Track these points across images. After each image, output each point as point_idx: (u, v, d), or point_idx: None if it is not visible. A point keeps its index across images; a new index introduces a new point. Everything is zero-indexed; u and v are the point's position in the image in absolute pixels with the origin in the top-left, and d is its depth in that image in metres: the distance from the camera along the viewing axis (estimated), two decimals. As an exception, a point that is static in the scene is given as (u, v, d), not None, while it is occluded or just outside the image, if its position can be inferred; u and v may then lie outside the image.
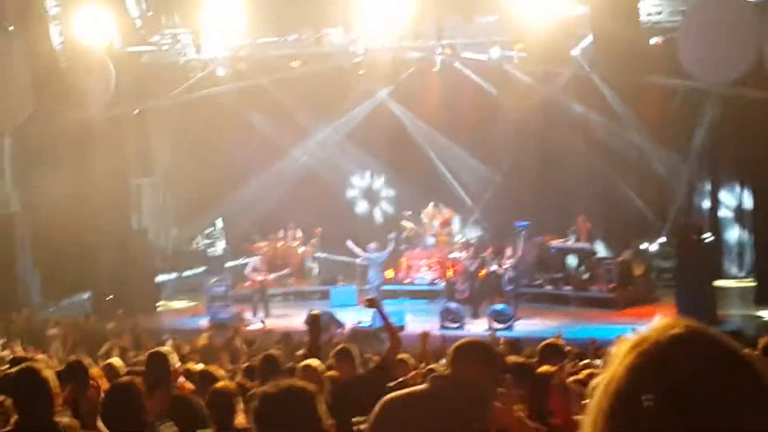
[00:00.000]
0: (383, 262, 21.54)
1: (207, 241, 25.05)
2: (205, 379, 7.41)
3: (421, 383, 5.19)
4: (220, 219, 25.35)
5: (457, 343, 4.78)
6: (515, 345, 14.02)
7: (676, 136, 23.38)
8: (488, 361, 4.69)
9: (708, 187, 22.31)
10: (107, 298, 22.18)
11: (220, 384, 6.45)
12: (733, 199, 22.07)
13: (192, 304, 23.81)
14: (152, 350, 7.54)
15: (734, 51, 15.52)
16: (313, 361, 7.49)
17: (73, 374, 6.48)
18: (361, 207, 26.28)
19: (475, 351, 4.73)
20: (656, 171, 23.97)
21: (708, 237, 19.35)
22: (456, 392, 4.54)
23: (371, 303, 8.31)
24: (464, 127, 25.66)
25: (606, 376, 1.79)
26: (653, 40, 18.55)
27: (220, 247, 25.46)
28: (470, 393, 4.46)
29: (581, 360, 10.63)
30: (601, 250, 23.21)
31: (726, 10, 15.75)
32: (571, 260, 22.39)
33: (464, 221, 25.38)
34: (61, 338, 16.66)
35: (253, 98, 25.34)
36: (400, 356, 8.83)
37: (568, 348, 12.05)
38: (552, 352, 7.28)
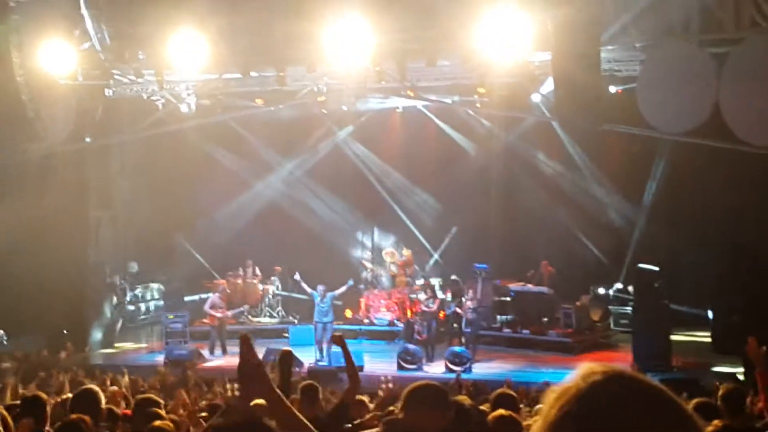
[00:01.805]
0: (327, 306, 21.33)
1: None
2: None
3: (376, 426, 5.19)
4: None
5: (409, 387, 4.76)
6: (482, 389, 14.06)
7: (631, 185, 23.70)
8: (439, 406, 4.67)
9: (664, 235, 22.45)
10: (63, 332, 21.92)
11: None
12: (688, 249, 22.19)
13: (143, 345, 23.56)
14: (82, 388, 7.41)
15: (692, 100, 15.74)
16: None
17: (32, 409, 6.40)
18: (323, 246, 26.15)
19: (427, 396, 4.69)
20: (611, 219, 24.26)
21: (661, 285, 19.47)
22: None
23: (338, 341, 8.29)
24: (426, 170, 25.85)
25: (535, 429, 1.81)
26: (613, 89, 18.82)
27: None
28: None
29: (536, 405, 10.65)
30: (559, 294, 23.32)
31: (683, 60, 15.98)
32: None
33: (424, 262, 25.42)
34: (14, 372, 16.44)
35: (216, 134, 25.38)
36: (358, 397, 8.80)
37: (524, 391, 12.15)
38: (505, 401, 7.27)
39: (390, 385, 14.82)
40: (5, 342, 22.34)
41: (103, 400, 7.00)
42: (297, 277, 22.31)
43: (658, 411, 1.73)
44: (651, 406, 1.74)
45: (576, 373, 1.82)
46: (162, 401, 7.87)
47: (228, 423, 3.39)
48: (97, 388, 7.27)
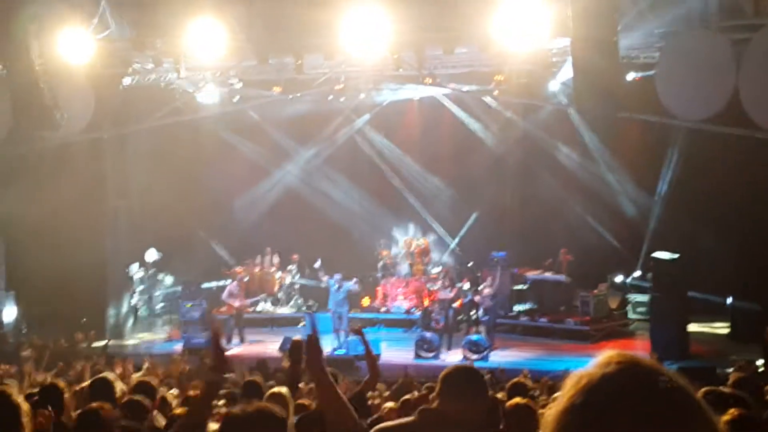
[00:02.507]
0: (343, 295, 21.39)
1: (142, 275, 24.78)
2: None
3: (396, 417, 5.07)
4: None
5: (445, 373, 4.55)
6: (499, 377, 14.07)
7: (647, 173, 23.58)
8: (477, 393, 4.47)
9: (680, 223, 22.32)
10: (82, 321, 22.04)
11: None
12: (705, 237, 22.07)
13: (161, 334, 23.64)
14: (97, 377, 7.42)
15: (710, 88, 15.65)
16: (282, 388, 7.45)
17: (50, 398, 6.41)
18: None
19: (464, 382, 4.49)
20: (627, 208, 24.17)
21: (679, 272, 19.39)
22: (444, 426, 4.34)
23: (358, 331, 8.23)
24: (443, 158, 25.81)
25: (547, 415, 1.81)
26: (630, 76, 18.71)
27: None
28: (457, 427, 4.30)
29: (554, 393, 10.64)
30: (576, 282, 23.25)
31: (702, 46, 15.89)
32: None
33: (442, 251, 25.40)
34: (34, 359, 16.54)
35: (233, 123, 25.45)
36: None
37: (542, 380, 12.14)
38: (519, 391, 7.25)
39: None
40: (24, 330, 22.46)
41: (119, 388, 7.02)
42: (317, 264, 22.31)
43: (670, 402, 1.72)
44: (663, 397, 1.74)
45: (595, 361, 1.83)
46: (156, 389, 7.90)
47: (242, 412, 3.39)
48: (112, 376, 7.29)
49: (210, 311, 22.99)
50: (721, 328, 21.39)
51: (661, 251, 20.14)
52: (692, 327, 19.98)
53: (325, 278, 21.67)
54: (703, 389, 6.35)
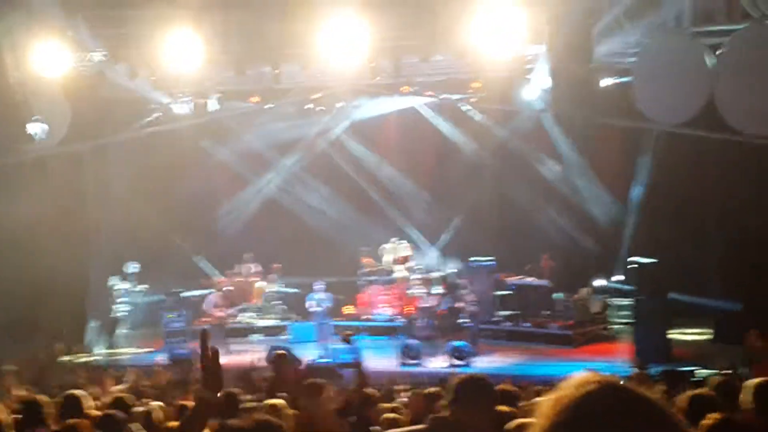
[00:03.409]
0: (324, 305, 21.45)
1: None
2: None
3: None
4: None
5: (458, 380, 4.60)
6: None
7: (622, 179, 23.60)
8: (488, 402, 4.53)
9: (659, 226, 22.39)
10: (62, 332, 21.97)
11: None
12: (684, 240, 22.14)
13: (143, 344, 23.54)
14: (67, 393, 7.40)
15: (686, 92, 15.77)
16: (279, 401, 7.45)
17: (30, 412, 6.40)
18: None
19: (478, 391, 4.54)
20: (601, 214, 24.22)
21: (660, 276, 19.48)
22: None
23: (347, 338, 8.23)
24: (422, 166, 25.86)
25: None
26: (606, 82, 18.75)
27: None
28: None
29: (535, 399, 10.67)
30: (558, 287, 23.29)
31: (677, 52, 16.02)
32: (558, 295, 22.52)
33: (423, 258, 25.38)
34: (16, 374, 16.45)
35: (212, 132, 25.41)
36: (369, 391, 8.81)
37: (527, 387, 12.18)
38: (504, 398, 7.25)
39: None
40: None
41: (88, 405, 7.01)
42: (319, 285, 22.20)
43: (649, 421, 1.76)
44: (642, 416, 1.77)
45: (569, 382, 1.86)
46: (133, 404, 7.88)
47: (240, 423, 3.39)
48: (81, 393, 7.27)
49: (193, 321, 22.94)
50: (704, 330, 21.45)
51: (640, 256, 20.25)
52: (674, 330, 20.05)
53: (315, 289, 21.67)
54: (688, 394, 6.40)
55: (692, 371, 16.18)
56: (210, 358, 3.73)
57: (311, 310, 21.70)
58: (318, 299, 21.59)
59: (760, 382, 6.39)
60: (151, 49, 18.99)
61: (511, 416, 6.06)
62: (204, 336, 3.60)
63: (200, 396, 3.86)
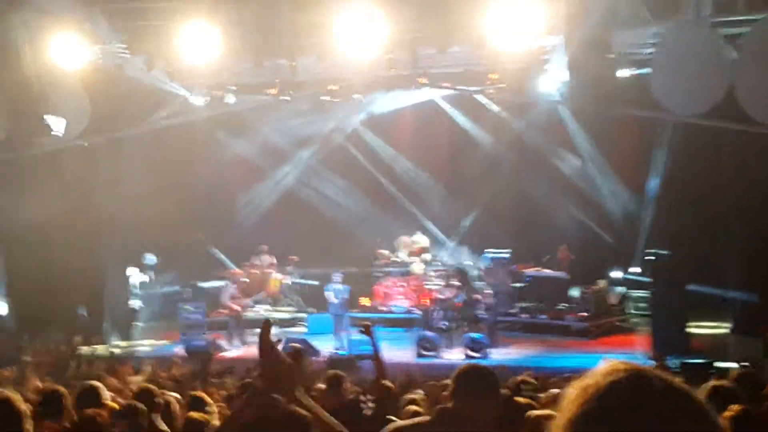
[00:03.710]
0: (341, 297, 21.47)
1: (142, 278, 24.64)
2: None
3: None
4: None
5: (459, 371, 4.64)
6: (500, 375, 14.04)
7: (639, 171, 23.48)
8: (491, 392, 4.55)
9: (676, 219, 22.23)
10: (81, 315, 22.07)
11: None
12: (702, 231, 22.00)
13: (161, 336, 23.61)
14: (85, 384, 7.40)
15: (706, 83, 15.67)
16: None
17: (51, 404, 6.41)
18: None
19: (478, 381, 4.57)
20: (618, 206, 24.12)
21: (678, 267, 19.38)
22: (459, 425, 4.41)
23: (366, 329, 8.21)
24: (438, 158, 25.80)
25: (556, 425, 1.82)
26: (624, 73, 18.61)
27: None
28: (473, 426, 4.35)
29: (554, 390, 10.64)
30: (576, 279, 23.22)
31: (697, 42, 15.92)
32: (574, 292, 22.41)
33: (440, 250, 25.36)
34: (34, 365, 16.54)
35: (229, 125, 25.45)
36: (385, 383, 8.79)
37: (546, 379, 12.16)
38: (524, 389, 7.24)
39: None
40: (86, 316, 22.55)
41: (105, 396, 7.02)
42: (337, 277, 22.20)
43: (678, 410, 1.74)
44: (671, 404, 1.75)
45: (596, 370, 1.84)
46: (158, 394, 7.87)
47: (264, 415, 3.34)
48: (98, 384, 7.27)
49: (210, 313, 23.02)
50: (722, 323, 21.31)
51: (657, 248, 20.17)
52: (693, 322, 19.94)
53: (334, 280, 21.64)
54: (710, 384, 6.36)
55: (711, 363, 16.11)
56: (269, 351, 3.51)
57: (330, 300, 21.70)
58: (335, 290, 21.60)
59: None
60: (168, 41, 19.01)
61: (531, 407, 6.06)
62: (265, 327, 3.45)
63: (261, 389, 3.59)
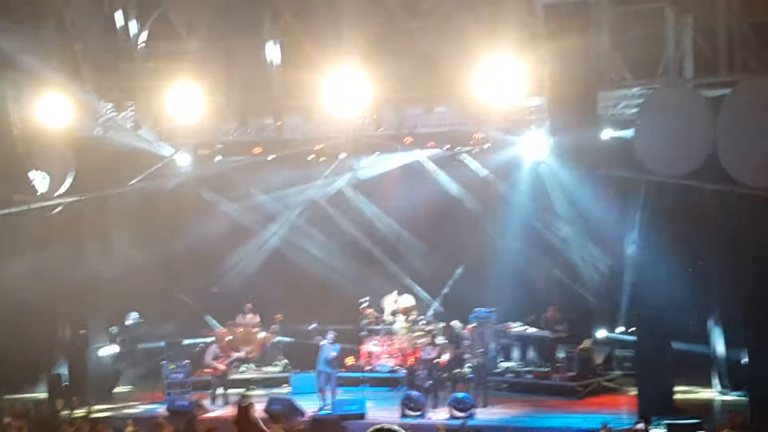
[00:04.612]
0: (330, 355, 21.31)
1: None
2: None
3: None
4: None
5: (370, 430, 4.66)
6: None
7: (617, 229, 23.38)
8: None
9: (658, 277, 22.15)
10: (64, 384, 21.90)
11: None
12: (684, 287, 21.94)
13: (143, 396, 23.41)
14: None
15: (688, 144, 15.83)
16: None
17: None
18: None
19: None
20: (599, 266, 24.07)
21: (663, 326, 19.39)
22: None
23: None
24: (423, 218, 25.74)
25: None
26: (607, 134, 18.73)
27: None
28: None
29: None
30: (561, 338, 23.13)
31: (679, 104, 16.10)
32: (560, 352, 22.34)
33: (425, 309, 25.29)
34: (17, 428, 16.35)
35: (215, 183, 25.46)
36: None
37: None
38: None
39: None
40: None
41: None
42: (312, 327, 22.04)
43: None
44: None
45: None
46: None
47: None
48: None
49: (194, 372, 22.89)
50: (709, 381, 21.24)
51: (640, 307, 20.20)
52: (679, 380, 19.88)
53: (323, 341, 21.45)
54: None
55: (697, 424, 16.08)
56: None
57: (324, 356, 21.28)
58: (328, 348, 21.32)
59: None
60: (154, 101, 19.12)
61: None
62: (245, 409, 3.50)
63: None
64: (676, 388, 19.56)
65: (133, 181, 23.25)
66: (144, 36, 19.26)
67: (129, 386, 24.36)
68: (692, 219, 20.45)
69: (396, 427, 4.73)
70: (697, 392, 20.87)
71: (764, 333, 17.94)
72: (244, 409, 10.43)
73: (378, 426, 4.79)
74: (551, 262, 24.37)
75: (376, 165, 25.21)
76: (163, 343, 24.25)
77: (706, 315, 21.04)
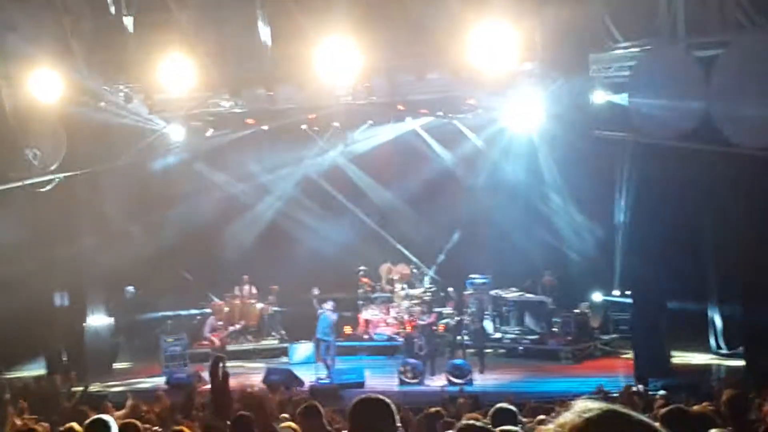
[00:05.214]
0: (331, 323, 21.36)
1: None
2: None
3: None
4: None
5: (352, 406, 4.79)
6: (475, 402, 14.06)
7: (610, 193, 23.31)
8: (386, 423, 4.70)
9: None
10: (63, 360, 21.91)
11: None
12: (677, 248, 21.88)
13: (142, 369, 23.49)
14: (93, 418, 7.34)
15: (682, 105, 15.79)
16: (292, 423, 7.37)
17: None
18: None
19: (370, 408, 4.75)
20: (593, 231, 24.04)
21: (657, 287, 19.43)
22: None
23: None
24: (416, 186, 25.75)
25: None
26: (599, 97, 18.64)
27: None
28: None
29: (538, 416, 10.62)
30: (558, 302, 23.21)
31: (672, 65, 16.05)
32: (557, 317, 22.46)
33: (421, 277, 25.33)
34: (13, 402, 16.35)
35: (208, 155, 25.41)
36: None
37: (526, 405, 12.14)
38: (504, 417, 7.19)
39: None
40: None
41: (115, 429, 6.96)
42: (315, 292, 22.05)
43: None
44: None
45: (572, 410, 2.06)
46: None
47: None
48: (108, 418, 7.22)
49: (192, 345, 22.96)
50: (705, 340, 21.31)
51: (634, 269, 20.24)
52: (675, 342, 19.95)
53: (321, 310, 21.49)
54: (696, 408, 6.39)
55: (694, 385, 16.16)
56: (219, 384, 3.66)
57: (329, 323, 21.32)
58: (327, 317, 21.36)
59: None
60: (145, 74, 19.02)
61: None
62: (216, 361, 3.54)
63: (210, 423, 3.80)
64: (673, 351, 19.65)
65: (125, 155, 23.15)
66: (134, 9, 19.13)
67: (128, 362, 24.39)
68: (684, 182, 20.38)
69: (381, 396, 4.80)
70: (693, 353, 20.95)
71: (759, 293, 17.99)
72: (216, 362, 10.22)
73: (365, 395, 4.86)
74: (545, 229, 24.36)
75: (369, 138, 25.20)
76: (160, 314, 24.31)
77: (701, 277, 21.08)
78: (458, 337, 22.22)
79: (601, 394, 14.15)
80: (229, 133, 23.85)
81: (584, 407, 2.02)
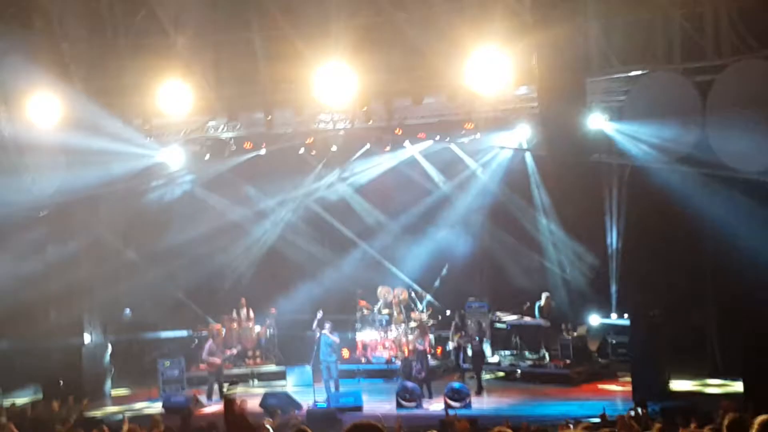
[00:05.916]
0: (332, 343, 21.32)
1: None
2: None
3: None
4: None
5: (348, 426, 4.77)
6: (474, 425, 14.02)
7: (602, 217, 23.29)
8: None
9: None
10: (59, 383, 21.85)
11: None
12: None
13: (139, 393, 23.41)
14: None
15: (678, 130, 15.82)
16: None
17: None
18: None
19: None
20: (585, 255, 24.04)
21: (656, 312, 19.43)
22: None
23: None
24: (413, 210, 25.81)
25: None
26: (595, 122, 18.63)
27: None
28: None
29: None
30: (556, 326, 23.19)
31: (668, 89, 16.08)
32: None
33: (420, 300, 25.28)
34: (9, 428, 16.30)
35: (205, 179, 25.41)
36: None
37: (522, 426, 12.12)
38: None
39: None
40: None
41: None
42: (319, 315, 22.04)
43: None
44: None
45: None
46: None
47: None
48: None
49: (189, 368, 22.91)
50: (702, 364, 21.30)
51: (630, 293, 20.23)
52: (673, 365, 19.93)
53: (322, 332, 21.43)
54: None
55: (691, 408, 16.11)
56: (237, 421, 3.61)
57: (329, 344, 21.26)
58: (327, 338, 21.30)
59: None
60: (143, 98, 19.05)
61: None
62: (230, 405, 3.53)
63: None
64: (671, 374, 19.63)
65: (124, 180, 23.14)
66: (132, 33, 19.18)
67: (124, 387, 24.32)
68: (678, 205, 20.36)
69: (374, 422, 4.79)
70: (691, 377, 20.91)
71: (758, 317, 17.97)
72: (230, 402, 10.46)
73: (358, 421, 4.86)
74: (540, 254, 24.42)
75: (368, 168, 25.29)
76: (156, 337, 24.24)
77: (698, 300, 21.08)
78: (456, 360, 22.20)
79: (602, 421, 14.10)
80: (227, 157, 23.85)
81: None
